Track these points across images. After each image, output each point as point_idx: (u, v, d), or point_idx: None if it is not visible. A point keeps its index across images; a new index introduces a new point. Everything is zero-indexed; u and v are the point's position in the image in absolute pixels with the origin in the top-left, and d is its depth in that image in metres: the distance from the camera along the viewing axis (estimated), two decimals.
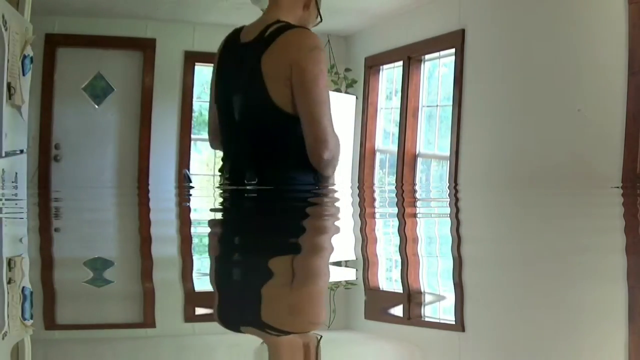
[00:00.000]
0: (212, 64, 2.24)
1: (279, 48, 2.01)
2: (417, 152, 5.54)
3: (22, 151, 4.15)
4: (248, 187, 2.06)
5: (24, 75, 3.99)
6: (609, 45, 3.56)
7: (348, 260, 0.81)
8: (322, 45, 2.10)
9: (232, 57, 2.14)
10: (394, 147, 5.75)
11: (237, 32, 2.16)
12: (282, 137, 2.08)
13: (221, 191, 2.15)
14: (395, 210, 1.61)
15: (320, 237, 1.01)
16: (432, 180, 5.43)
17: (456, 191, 2.73)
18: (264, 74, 2.00)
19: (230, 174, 2.15)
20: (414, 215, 1.39)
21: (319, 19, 2.20)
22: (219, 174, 2.25)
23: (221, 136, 2.22)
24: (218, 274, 0.72)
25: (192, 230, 1.11)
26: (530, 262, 0.77)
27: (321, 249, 0.89)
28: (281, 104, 2.01)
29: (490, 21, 4.59)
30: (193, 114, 6.41)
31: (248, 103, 2.08)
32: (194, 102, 6.37)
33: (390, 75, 6.08)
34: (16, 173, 4.01)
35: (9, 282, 0.62)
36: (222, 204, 1.74)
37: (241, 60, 2.08)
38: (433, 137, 5.48)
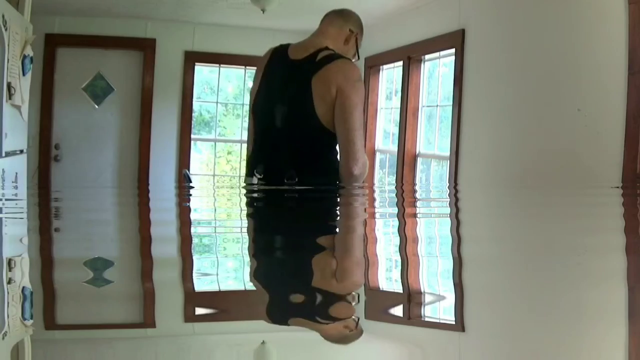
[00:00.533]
0: (247, 69, 2.45)
1: (328, 73, 2.27)
2: (417, 152, 5.54)
3: (22, 151, 4.15)
4: (287, 187, 2.26)
5: (24, 75, 3.99)
6: (609, 45, 3.56)
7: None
8: (362, 77, 2.39)
9: (280, 70, 2.38)
10: (394, 147, 5.75)
11: (284, 48, 2.41)
12: (317, 148, 2.33)
13: (252, 190, 2.25)
14: (396, 210, 1.60)
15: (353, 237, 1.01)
16: (432, 180, 5.42)
17: (456, 191, 2.73)
18: (314, 92, 2.26)
19: (265, 174, 2.35)
20: (414, 215, 1.39)
21: (356, 57, 2.48)
22: (245, 173, 2.47)
23: (256, 139, 2.43)
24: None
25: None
26: (530, 262, 0.77)
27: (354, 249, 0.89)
28: (323, 120, 2.27)
29: (490, 21, 4.59)
30: (193, 114, 6.41)
31: (294, 114, 2.32)
32: (194, 102, 6.36)
33: (390, 75, 6.08)
34: (16, 173, 4.00)
35: (9, 282, 0.62)
36: (259, 202, 1.79)
37: (290, 75, 2.34)
38: (433, 137, 5.47)
